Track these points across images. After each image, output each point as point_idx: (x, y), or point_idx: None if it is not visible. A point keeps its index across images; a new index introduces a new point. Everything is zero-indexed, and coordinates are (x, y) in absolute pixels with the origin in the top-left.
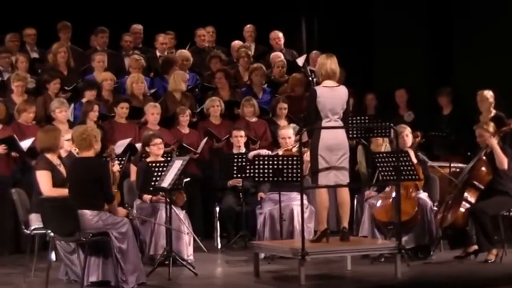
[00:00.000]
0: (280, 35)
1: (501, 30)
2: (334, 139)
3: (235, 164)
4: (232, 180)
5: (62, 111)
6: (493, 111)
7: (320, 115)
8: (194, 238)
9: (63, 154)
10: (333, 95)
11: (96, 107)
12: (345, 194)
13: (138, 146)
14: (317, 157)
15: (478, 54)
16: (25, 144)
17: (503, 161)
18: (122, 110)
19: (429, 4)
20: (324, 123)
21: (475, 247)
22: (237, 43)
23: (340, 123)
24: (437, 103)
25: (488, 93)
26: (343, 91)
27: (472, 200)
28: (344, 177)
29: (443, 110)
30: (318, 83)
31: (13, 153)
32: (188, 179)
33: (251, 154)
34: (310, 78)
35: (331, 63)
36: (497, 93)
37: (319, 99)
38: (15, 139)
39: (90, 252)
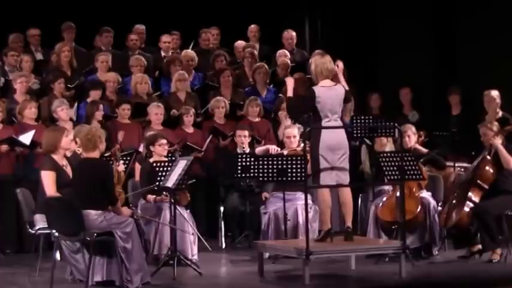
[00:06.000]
0: (294, 34)
1: (507, 29)
2: (334, 139)
3: (239, 164)
4: None
5: (62, 109)
6: (500, 112)
7: (320, 115)
8: (198, 238)
9: (68, 154)
10: (331, 95)
11: (100, 107)
12: (347, 193)
13: (141, 145)
14: (318, 157)
15: (482, 54)
16: (26, 139)
17: (509, 161)
18: (123, 112)
19: (434, 4)
20: (324, 123)
21: (479, 247)
22: (240, 43)
23: (339, 122)
24: (444, 103)
25: (496, 94)
26: (340, 90)
27: (476, 199)
28: (345, 177)
29: (452, 109)
30: (315, 83)
31: (18, 149)
32: (193, 180)
33: (259, 149)
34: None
35: (326, 61)
36: (503, 94)
37: (319, 99)
38: (15, 138)
39: (95, 252)
